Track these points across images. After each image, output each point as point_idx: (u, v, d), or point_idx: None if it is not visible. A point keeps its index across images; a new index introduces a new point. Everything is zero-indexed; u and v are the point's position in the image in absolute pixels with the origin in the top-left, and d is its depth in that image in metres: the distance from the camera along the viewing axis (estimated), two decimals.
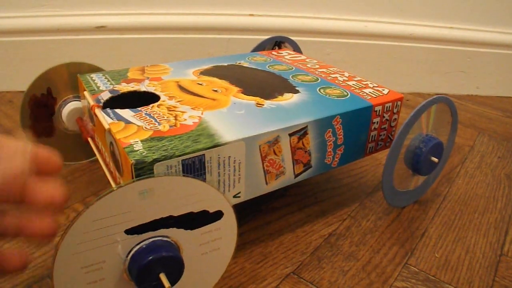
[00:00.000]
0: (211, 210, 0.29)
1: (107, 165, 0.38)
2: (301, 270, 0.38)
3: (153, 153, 0.30)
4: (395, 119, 0.45)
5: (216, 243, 0.30)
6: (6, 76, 0.72)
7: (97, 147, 0.42)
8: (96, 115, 0.36)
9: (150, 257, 0.25)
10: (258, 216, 0.45)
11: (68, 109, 0.47)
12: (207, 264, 0.31)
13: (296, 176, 0.39)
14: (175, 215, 0.27)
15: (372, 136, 0.44)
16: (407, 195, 0.47)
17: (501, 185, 0.54)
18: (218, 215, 0.29)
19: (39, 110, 0.47)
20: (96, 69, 0.48)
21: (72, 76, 0.47)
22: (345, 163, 0.43)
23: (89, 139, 0.44)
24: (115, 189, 0.24)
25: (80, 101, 0.48)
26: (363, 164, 0.56)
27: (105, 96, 0.39)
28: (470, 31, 0.84)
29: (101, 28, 0.72)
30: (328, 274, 0.37)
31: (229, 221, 0.30)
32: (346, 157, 0.42)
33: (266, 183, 0.37)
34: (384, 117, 0.43)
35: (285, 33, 0.77)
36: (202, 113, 0.36)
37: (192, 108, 0.37)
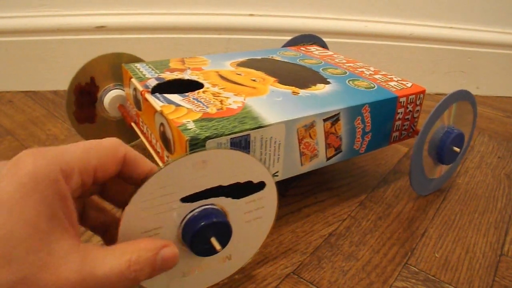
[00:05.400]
0: (255, 181, 0.31)
1: (152, 147, 0.42)
2: (301, 270, 0.38)
3: (205, 131, 0.33)
4: (418, 110, 0.48)
5: (259, 212, 0.32)
6: (6, 76, 0.72)
7: (142, 131, 0.45)
8: (146, 99, 0.39)
9: (202, 223, 0.27)
10: None
11: (110, 96, 0.51)
12: (250, 232, 0.33)
13: (328, 159, 0.42)
14: (224, 185, 0.29)
15: (397, 125, 0.47)
16: (432, 183, 0.50)
17: (501, 185, 0.54)
18: (261, 185, 0.31)
19: (83, 97, 0.51)
20: (135, 59, 0.52)
21: (112, 66, 0.51)
22: (371, 149, 0.46)
23: (133, 124, 0.47)
24: (172, 161, 0.26)
25: (120, 89, 0.52)
26: (363, 164, 0.56)
27: (152, 83, 0.42)
28: (470, 31, 0.83)
29: (101, 28, 0.72)
30: (328, 274, 0.37)
31: (271, 191, 0.32)
32: (373, 144, 0.46)
33: (301, 164, 0.40)
34: (407, 108, 0.47)
35: (285, 33, 0.77)
36: (244, 99, 0.40)
37: (235, 95, 0.40)
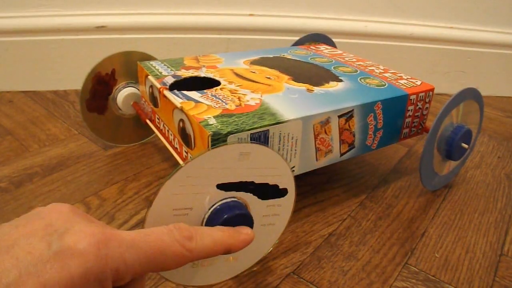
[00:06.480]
0: (281, 186, 0.31)
1: (170, 143, 0.42)
2: (301, 270, 0.38)
3: (226, 126, 0.34)
4: (427, 108, 0.49)
5: (274, 218, 0.33)
6: (6, 76, 0.72)
7: (158, 127, 0.46)
8: (164, 96, 0.40)
9: (237, 212, 0.28)
10: None
11: (124, 93, 0.52)
12: (261, 237, 0.33)
13: (341, 155, 0.43)
14: (256, 182, 0.30)
15: (407, 122, 0.48)
16: (440, 179, 0.51)
17: (501, 185, 0.54)
18: (284, 192, 0.32)
19: (100, 87, 0.51)
20: (147, 57, 0.52)
21: (125, 64, 0.51)
22: (383, 145, 0.47)
23: (148, 121, 0.48)
24: (222, 145, 0.27)
25: (133, 87, 0.53)
26: (363, 164, 0.56)
27: (169, 80, 0.43)
28: (470, 31, 0.83)
29: (101, 28, 0.72)
30: (328, 274, 0.37)
31: (290, 200, 0.33)
32: (384, 140, 0.47)
33: (317, 160, 0.41)
34: (417, 105, 0.48)
35: (285, 33, 0.77)
36: (261, 96, 0.41)
37: (252, 92, 0.41)
